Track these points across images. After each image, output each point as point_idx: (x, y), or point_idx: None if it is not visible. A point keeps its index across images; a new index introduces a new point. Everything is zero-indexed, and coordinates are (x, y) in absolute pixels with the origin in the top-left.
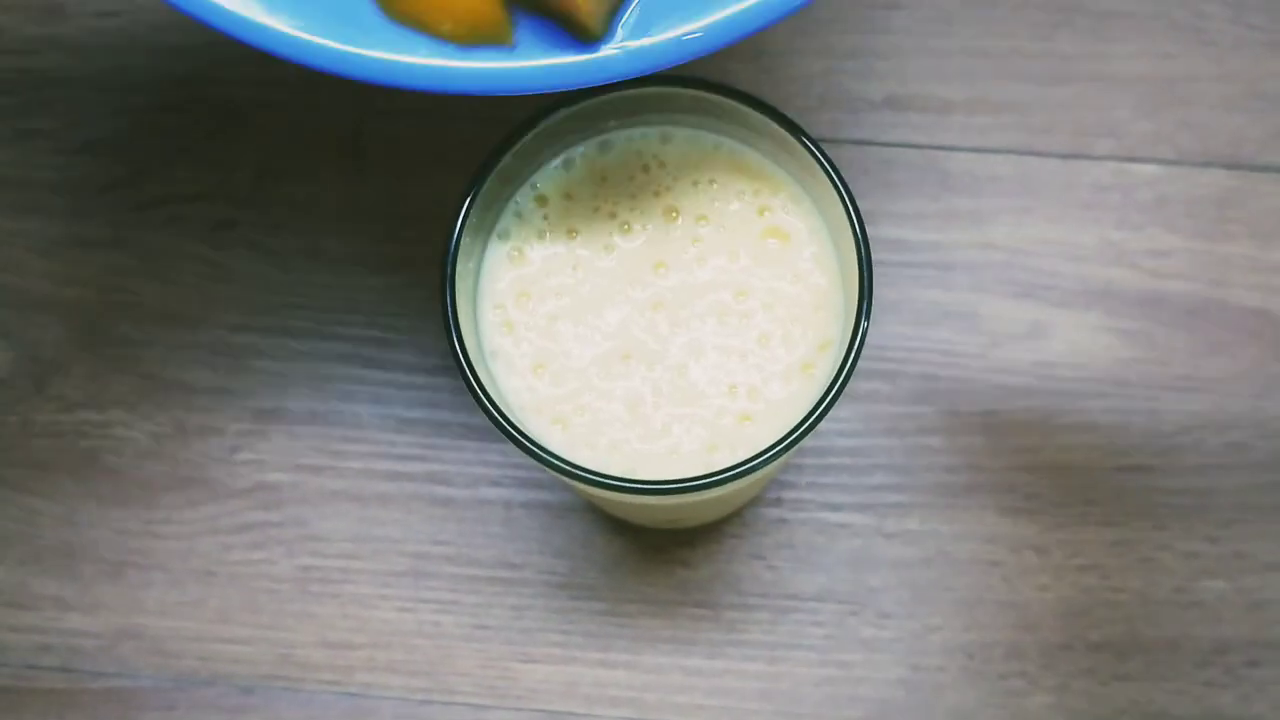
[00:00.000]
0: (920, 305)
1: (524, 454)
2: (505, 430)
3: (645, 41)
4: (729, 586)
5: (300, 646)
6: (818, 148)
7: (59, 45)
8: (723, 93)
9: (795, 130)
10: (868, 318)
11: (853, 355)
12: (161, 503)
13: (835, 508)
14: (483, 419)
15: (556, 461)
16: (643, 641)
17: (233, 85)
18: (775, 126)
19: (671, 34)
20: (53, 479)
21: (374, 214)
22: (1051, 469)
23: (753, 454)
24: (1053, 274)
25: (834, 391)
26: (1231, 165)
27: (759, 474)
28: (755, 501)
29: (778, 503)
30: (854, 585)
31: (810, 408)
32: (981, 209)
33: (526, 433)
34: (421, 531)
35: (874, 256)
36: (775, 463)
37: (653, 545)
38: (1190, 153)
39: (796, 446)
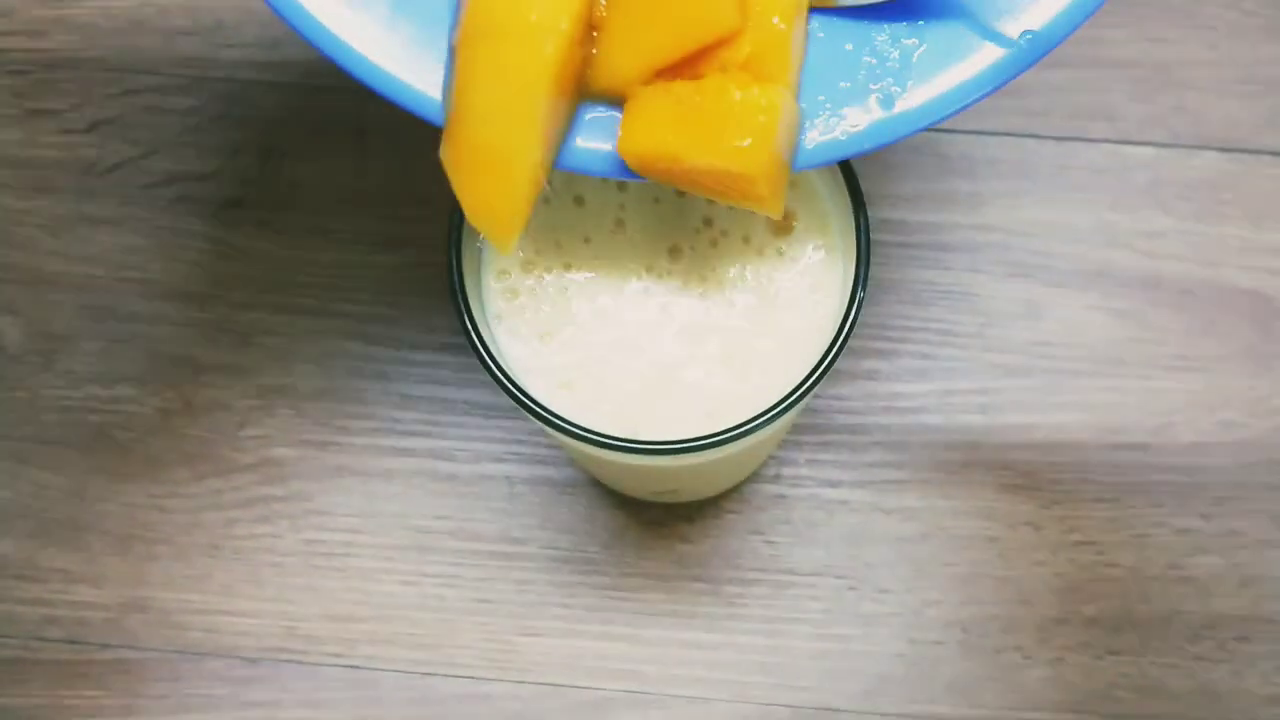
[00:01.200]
0: (917, 285)
1: (528, 416)
2: (509, 391)
3: None
4: (728, 561)
5: (304, 620)
6: None
7: (68, 26)
8: None
9: None
10: (864, 287)
11: (849, 321)
12: (168, 477)
13: (833, 484)
14: (486, 395)
15: (560, 422)
16: (644, 615)
17: (240, 66)
18: None
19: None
20: (61, 453)
21: (379, 193)
22: (1047, 446)
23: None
24: (1048, 255)
25: (832, 354)
26: (1225, 148)
27: (757, 438)
28: (754, 478)
29: (776, 479)
30: (852, 561)
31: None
32: (978, 191)
33: (529, 393)
34: (425, 506)
35: (872, 237)
36: (772, 428)
37: (654, 520)
38: (1185, 136)
39: (793, 410)
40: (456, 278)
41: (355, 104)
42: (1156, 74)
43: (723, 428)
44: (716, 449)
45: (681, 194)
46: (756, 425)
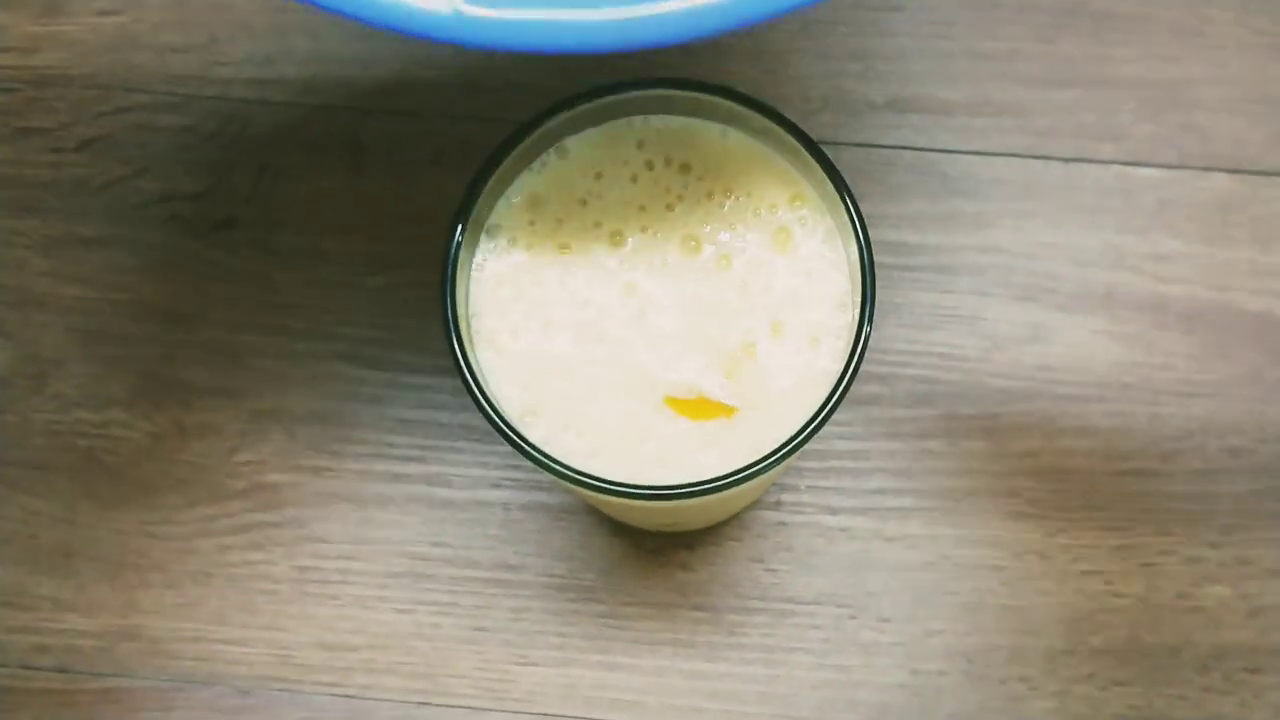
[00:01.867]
0: (921, 308)
1: (523, 458)
2: (504, 434)
3: None
4: (728, 589)
5: (298, 648)
6: (821, 152)
7: (59, 43)
8: (729, 96)
9: (799, 134)
10: (870, 322)
11: (855, 359)
12: (159, 503)
13: (835, 511)
14: (482, 419)
15: (556, 466)
16: (642, 644)
17: (233, 84)
18: (778, 129)
19: None
20: (51, 479)
21: (374, 214)
22: (1053, 473)
23: (753, 459)
24: (1054, 277)
25: (836, 396)
26: (1234, 169)
27: (759, 479)
28: (755, 504)
29: (777, 505)
30: (853, 589)
31: (811, 412)
32: (983, 212)
33: (525, 436)
34: (420, 533)
35: (875, 259)
36: (776, 467)
37: (652, 548)
38: (1193, 156)
39: (798, 451)
40: (451, 320)
41: (350, 122)
42: (1164, 93)
43: (724, 467)
44: (718, 492)
45: (674, 214)
46: (759, 469)
